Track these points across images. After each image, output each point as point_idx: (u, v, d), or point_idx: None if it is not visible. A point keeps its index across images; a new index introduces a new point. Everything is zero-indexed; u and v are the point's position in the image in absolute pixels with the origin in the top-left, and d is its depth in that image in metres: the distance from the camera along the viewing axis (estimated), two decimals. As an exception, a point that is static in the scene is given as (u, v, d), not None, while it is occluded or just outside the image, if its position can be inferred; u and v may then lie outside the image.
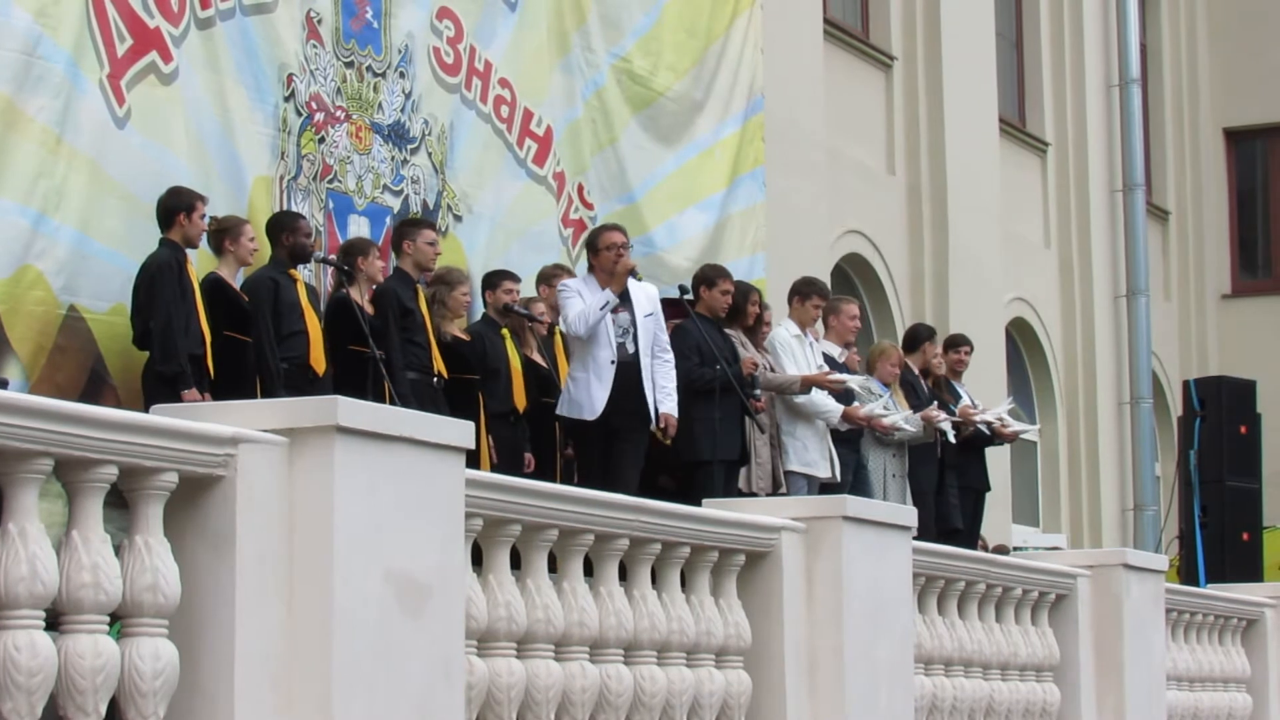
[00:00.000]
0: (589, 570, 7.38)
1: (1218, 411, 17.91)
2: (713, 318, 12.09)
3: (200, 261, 10.83)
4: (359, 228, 12.61)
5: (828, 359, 12.90)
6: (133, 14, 11.14)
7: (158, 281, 10.31)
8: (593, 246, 11.58)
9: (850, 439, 12.93)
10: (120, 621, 5.49)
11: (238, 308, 10.69)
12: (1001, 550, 15.53)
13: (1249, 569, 17.26)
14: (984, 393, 15.86)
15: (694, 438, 11.66)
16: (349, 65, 12.72)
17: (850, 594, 8.39)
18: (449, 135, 13.47)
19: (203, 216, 10.62)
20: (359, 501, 5.85)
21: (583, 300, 11.29)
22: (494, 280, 12.20)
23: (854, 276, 19.45)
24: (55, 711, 5.28)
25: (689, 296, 12.01)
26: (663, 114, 15.66)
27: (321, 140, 12.43)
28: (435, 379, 11.21)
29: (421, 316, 11.27)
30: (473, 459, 6.86)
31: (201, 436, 5.63)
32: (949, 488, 13.76)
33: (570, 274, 12.45)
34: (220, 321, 10.54)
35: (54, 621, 5.31)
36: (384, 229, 12.68)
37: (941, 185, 20.15)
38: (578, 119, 14.74)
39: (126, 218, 10.91)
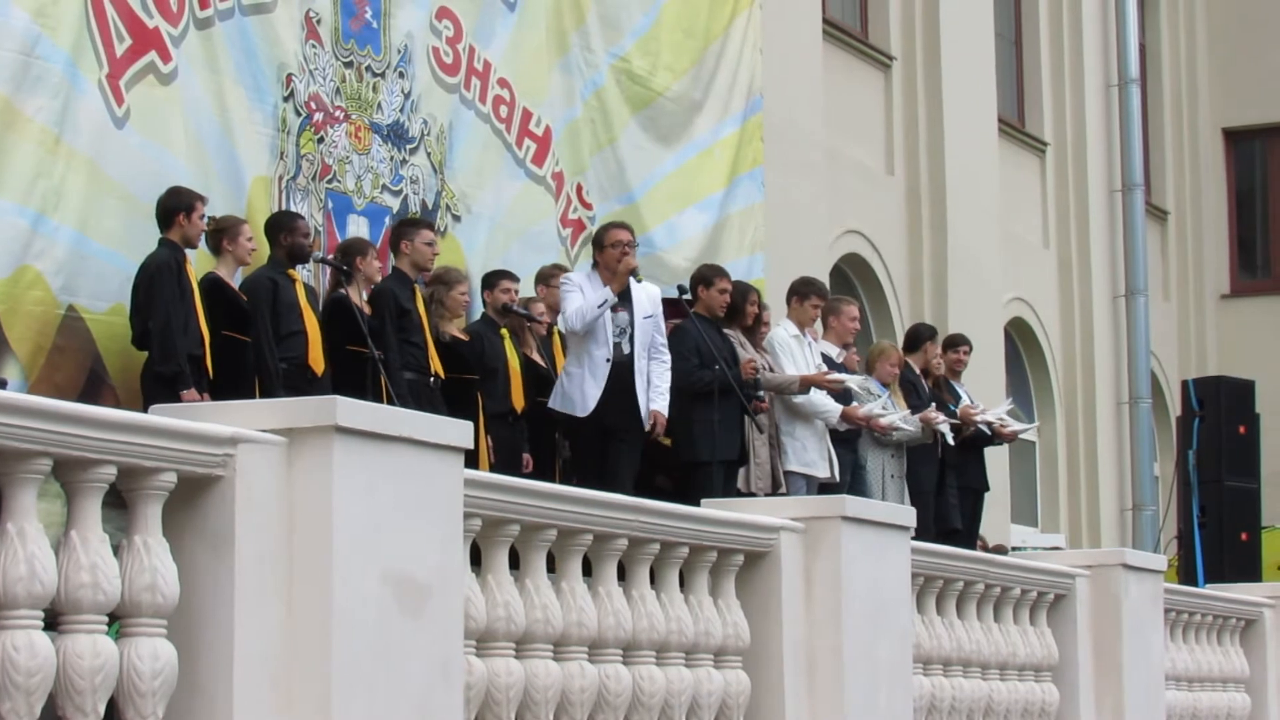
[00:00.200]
0: (588, 570, 7.38)
1: (1216, 411, 17.91)
2: (711, 317, 12.08)
3: (199, 261, 10.83)
4: (358, 228, 12.61)
5: (826, 359, 12.90)
6: (131, 14, 11.14)
7: (157, 281, 10.31)
8: (598, 243, 11.59)
9: (848, 439, 12.92)
10: (119, 621, 5.49)
11: (237, 308, 10.69)
12: (1000, 550, 15.54)
13: (1247, 569, 17.26)
14: (983, 393, 15.86)
15: (693, 438, 11.67)
16: (348, 65, 12.72)
17: (849, 594, 8.39)
18: (448, 135, 13.47)
19: (202, 217, 10.62)
20: (358, 501, 5.85)
21: (583, 296, 11.30)
22: (492, 280, 12.20)
23: (853, 276, 19.45)
24: (54, 711, 5.28)
25: (687, 296, 12.01)
26: (662, 114, 15.66)
27: (320, 140, 12.43)
28: (432, 379, 11.21)
29: (418, 316, 11.27)
30: (471, 459, 6.86)
31: (200, 436, 5.63)
32: (948, 488, 13.76)
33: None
34: (219, 321, 10.54)
35: (53, 621, 5.31)
36: (383, 229, 12.68)
37: (940, 185, 20.16)
38: (577, 119, 14.74)
39: (125, 218, 10.91)
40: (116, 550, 5.45)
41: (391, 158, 12.99)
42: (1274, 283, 27.01)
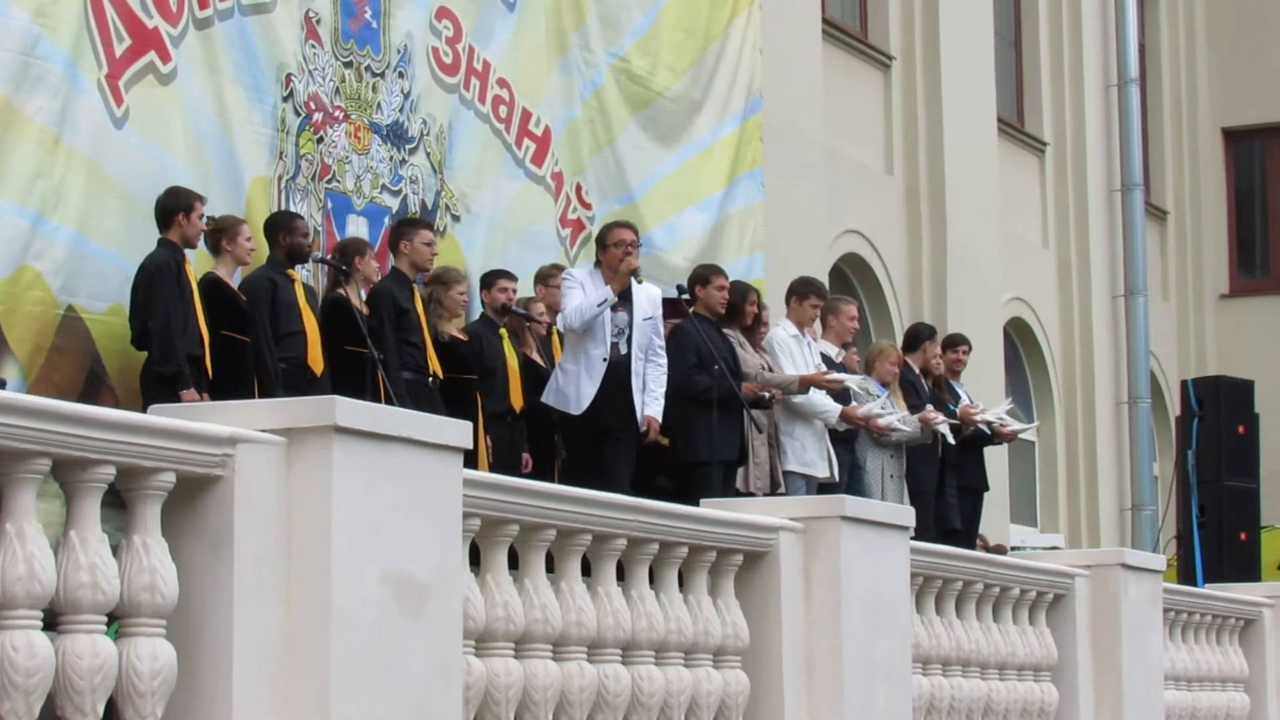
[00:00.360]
0: (587, 570, 7.38)
1: (1216, 411, 17.91)
2: (711, 316, 12.08)
3: (198, 261, 10.83)
4: (357, 228, 12.61)
5: (825, 359, 12.90)
6: (131, 14, 11.14)
7: (156, 281, 10.31)
8: (601, 242, 11.59)
9: (848, 439, 12.93)
10: (118, 621, 5.49)
11: (236, 308, 10.69)
12: (999, 550, 15.54)
13: (1247, 569, 17.26)
14: (982, 393, 15.86)
15: (692, 438, 11.67)
16: (348, 65, 12.72)
17: (848, 594, 8.39)
18: (447, 135, 13.47)
19: (201, 216, 10.62)
20: (357, 501, 5.85)
21: (584, 293, 11.30)
22: (489, 280, 12.20)
23: (852, 276, 19.45)
24: (53, 712, 5.28)
25: (686, 297, 12.01)
26: (661, 114, 15.66)
27: (320, 140, 12.43)
28: (431, 379, 11.21)
29: (417, 316, 11.27)
30: (470, 459, 6.86)
31: (199, 436, 5.63)
32: (948, 488, 13.76)
33: (568, 274, 12.45)
34: (218, 321, 10.55)
35: (52, 621, 5.31)
36: (382, 229, 12.68)
37: (940, 185, 20.16)
38: (576, 119, 14.74)
39: (125, 218, 10.91)
40: (115, 550, 5.45)
41: (391, 158, 12.99)
42: (1273, 283, 27.01)
